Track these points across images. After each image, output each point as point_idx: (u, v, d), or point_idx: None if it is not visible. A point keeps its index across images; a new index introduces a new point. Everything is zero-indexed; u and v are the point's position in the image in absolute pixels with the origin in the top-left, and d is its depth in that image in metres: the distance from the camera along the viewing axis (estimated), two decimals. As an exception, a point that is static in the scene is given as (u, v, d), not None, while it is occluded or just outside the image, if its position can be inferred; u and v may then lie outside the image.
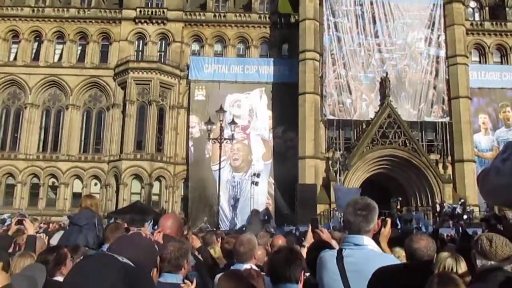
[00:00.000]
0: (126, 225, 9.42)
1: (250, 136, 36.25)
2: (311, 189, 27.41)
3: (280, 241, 4.66)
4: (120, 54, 37.71)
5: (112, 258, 1.98)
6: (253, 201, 31.47)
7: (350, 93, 33.74)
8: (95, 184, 36.56)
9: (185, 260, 2.64)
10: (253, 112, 36.73)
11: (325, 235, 3.37)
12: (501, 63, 38.24)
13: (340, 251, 2.84)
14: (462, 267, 2.90)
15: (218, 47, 39.53)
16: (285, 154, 35.12)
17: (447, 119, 33.97)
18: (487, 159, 34.16)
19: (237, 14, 39.62)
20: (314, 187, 28.96)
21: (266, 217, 16.01)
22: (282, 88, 35.93)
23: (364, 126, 33.22)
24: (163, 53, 38.69)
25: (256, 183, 31.72)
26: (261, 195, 33.36)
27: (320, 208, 28.98)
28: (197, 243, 4.26)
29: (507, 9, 39.05)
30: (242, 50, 39.59)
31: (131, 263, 1.98)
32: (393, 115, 32.28)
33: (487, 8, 39.43)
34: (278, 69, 37.23)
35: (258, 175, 31.89)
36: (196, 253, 3.99)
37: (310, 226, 3.83)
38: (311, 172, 31.82)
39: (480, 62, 38.23)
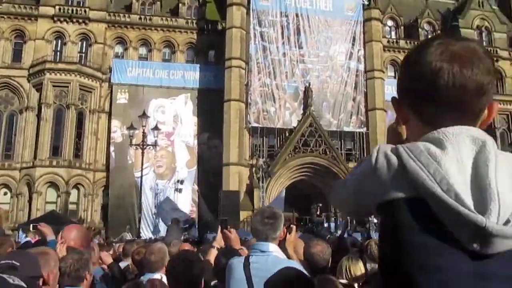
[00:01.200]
0: (37, 238, 8.87)
1: (175, 143, 35.80)
2: (234, 195, 27.60)
3: (187, 248, 4.69)
4: (36, 53, 35.53)
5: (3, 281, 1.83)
6: (176, 209, 31.02)
7: (274, 102, 34.56)
8: (5, 194, 33.94)
9: (86, 271, 2.58)
10: (178, 118, 36.35)
11: (233, 235, 3.47)
12: (413, 78, 41.17)
13: (247, 258, 2.96)
14: (360, 269, 3.13)
15: (142, 51, 38.71)
16: (210, 161, 35.10)
17: (364, 129, 35.91)
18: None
19: (164, 18, 39.12)
20: (238, 194, 29.20)
21: (187, 225, 15.90)
22: (208, 94, 35.96)
23: (287, 134, 34.15)
24: (83, 55, 37.06)
25: (180, 190, 31.36)
26: (185, 203, 32.97)
27: (243, 215, 29.25)
28: (108, 259, 4.16)
29: (419, 29, 42.24)
30: (167, 54, 39.10)
31: (23, 285, 1.86)
32: (315, 124, 33.53)
33: (402, 27, 42.41)
34: (204, 75, 37.21)
35: (181, 182, 31.57)
36: (107, 268, 3.90)
37: (220, 227, 3.91)
38: (235, 179, 32.08)
39: (395, 77, 40.82)
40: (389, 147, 0.97)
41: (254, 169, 31.91)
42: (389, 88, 37.90)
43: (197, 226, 20.94)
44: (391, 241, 0.93)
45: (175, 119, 36.22)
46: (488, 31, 43.01)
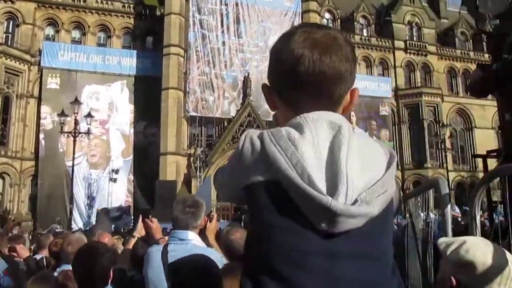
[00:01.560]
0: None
1: (110, 131, 34.66)
2: (171, 185, 27.24)
3: (107, 238, 4.61)
4: (-44, 32, 32.95)
5: None
6: (111, 199, 30.20)
7: (213, 91, 34.40)
8: None
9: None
10: (114, 105, 35.18)
11: (154, 224, 3.45)
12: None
13: (166, 246, 2.96)
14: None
15: (76, 34, 36.97)
16: (147, 150, 34.38)
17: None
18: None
19: (99, 1, 37.53)
20: (174, 184, 28.87)
21: (118, 215, 15.51)
22: (145, 81, 35.07)
23: (226, 124, 34.16)
24: (10, 35, 34.78)
25: (115, 180, 30.52)
26: (120, 193, 32.17)
27: (181, 204, 28.99)
28: (24, 252, 3.99)
29: (355, 23, 43.64)
30: (103, 39, 37.63)
31: None
32: (253, 114, 33.78)
33: (339, 21, 43.54)
34: (141, 62, 36.20)
35: (116, 172, 30.72)
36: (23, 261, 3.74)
37: (141, 216, 3.87)
38: (172, 168, 31.70)
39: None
40: (256, 132, 1.00)
41: (192, 158, 31.69)
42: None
43: (132, 216, 20.51)
44: (251, 223, 0.97)
45: (111, 107, 35.03)
46: (418, 27, 45.20)
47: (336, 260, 0.88)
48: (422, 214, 2.79)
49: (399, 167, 40.47)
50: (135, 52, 36.57)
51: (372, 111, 40.52)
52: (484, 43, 41.68)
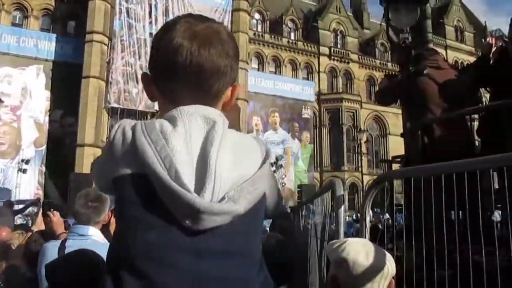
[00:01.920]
0: None
1: (21, 118, 32.37)
2: (86, 179, 26.06)
3: (4, 233, 4.34)
4: None
5: None
6: (19, 191, 28.24)
7: (137, 83, 33.37)
8: None
9: None
10: (27, 91, 32.91)
11: (55, 218, 3.28)
12: (275, 73, 43.32)
13: (64, 242, 2.84)
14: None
15: (-13, 11, 34.15)
16: (62, 140, 32.60)
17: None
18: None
19: (15, -23, 34.96)
20: (91, 177, 27.69)
21: (22, 208, 14.53)
22: (65, 68, 33.17)
23: (149, 117, 33.30)
24: None
25: (24, 171, 28.61)
26: (29, 185, 30.20)
27: (97, 199, 27.88)
28: None
29: (284, 26, 44.54)
30: (19, 18, 35.11)
31: None
32: (178, 109, 33.24)
33: (268, 22, 44.23)
34: (61, 47, 34.22)
35: (27, 162, 28.81)
36: None
37: (41, 210, 3.67)
38: (89, 161, 30.29)
39: (258, 69, 42.56)
40: (131, 123, 0.97)
41: (111, 151, 30.55)
42: (252, 79, 39.34)
43: (41, 209, 19.35)
44: (117, 218, 0.94)
45: (24, 92, 32.73)
46: (342, 35, 47.20)
47: (201, 258, 0.87)
48: (318, 216, 2.91)
49: (318, 168, 42.04)
50: (54, 35, 34.49)
51: (295, 113, 41.65)
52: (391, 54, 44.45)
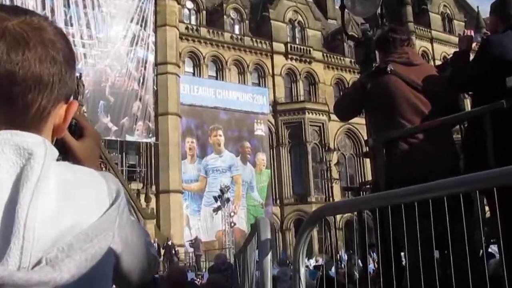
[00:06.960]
0: None
1: None
2: None
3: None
4: None
5: None
6: None
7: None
8: None
9: None
10: None
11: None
12: (216, 78, 43.40)
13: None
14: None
15: None
16: None
17: (152, 140, 36.43)
18: (192, 192, 38.03)
19: None
20: None
21: None
22: None
23: None
24: None
25: None
26: None
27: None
28: None
29: (224, 16, 44.84)
30: None
31: None
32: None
33: (204, 12, 44.48)
34: None
35: None
36: None
37: None
38: None
39: (194, 73, 42.58)
40: None
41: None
42: (186, 87, 39.30)
43: None
44: None
45: None
46: (301, 27, 48.28)
47: None
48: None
49: (278, 202, 42.21)
50: None
51: (245, 129, 41.89)
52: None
